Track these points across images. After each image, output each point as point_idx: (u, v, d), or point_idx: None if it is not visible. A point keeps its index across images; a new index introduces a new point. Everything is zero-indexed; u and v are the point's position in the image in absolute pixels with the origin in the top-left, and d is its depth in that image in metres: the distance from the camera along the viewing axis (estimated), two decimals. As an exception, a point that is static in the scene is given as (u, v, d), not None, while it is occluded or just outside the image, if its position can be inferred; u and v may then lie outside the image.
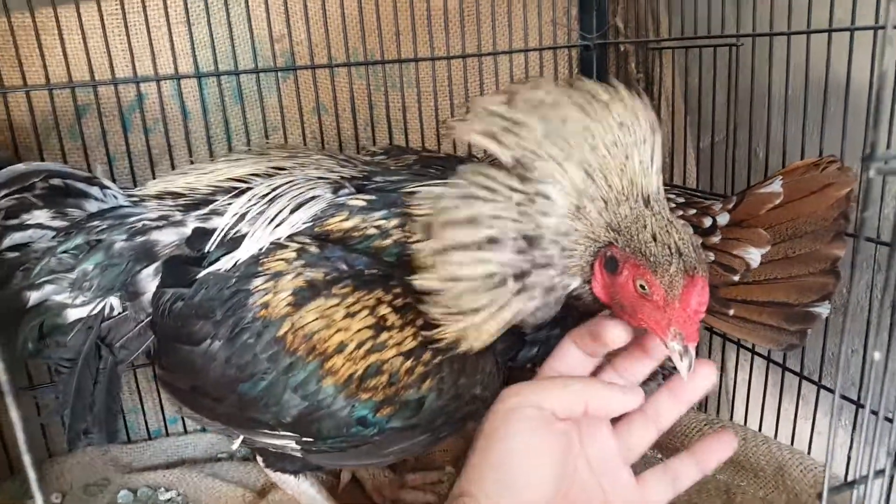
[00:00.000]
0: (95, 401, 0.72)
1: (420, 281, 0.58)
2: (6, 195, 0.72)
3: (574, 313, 0.63)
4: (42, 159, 0.92)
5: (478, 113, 0.60)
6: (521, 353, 0.67)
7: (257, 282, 0.63)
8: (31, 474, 0.28)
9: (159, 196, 0.74)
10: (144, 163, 0.97)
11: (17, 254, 0.72)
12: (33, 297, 0.71)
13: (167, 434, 1.06)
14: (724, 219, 0.83)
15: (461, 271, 0.57)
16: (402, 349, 0.60)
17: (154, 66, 0.93)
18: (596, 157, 0.55)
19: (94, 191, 0.75)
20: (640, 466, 0.90)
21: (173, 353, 0.69)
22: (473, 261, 0.56)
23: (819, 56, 0.82)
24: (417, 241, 0.60)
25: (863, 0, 0.76)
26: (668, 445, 0.94)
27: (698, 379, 0.55)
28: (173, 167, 0.97)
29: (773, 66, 0.88)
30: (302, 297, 0.61)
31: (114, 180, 0.94)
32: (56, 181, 0.74)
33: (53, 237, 0.72)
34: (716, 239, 0.80)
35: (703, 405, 1.10)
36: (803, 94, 0.85)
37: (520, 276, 0.56)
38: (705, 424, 0.94)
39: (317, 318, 0.60)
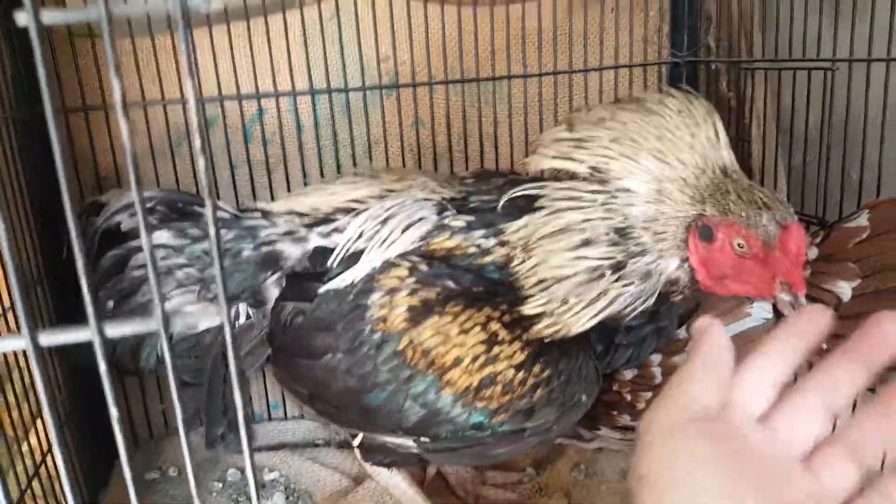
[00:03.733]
0: (227, 407, 0.79)
1: (528, 308, 0.65)
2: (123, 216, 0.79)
3: (665, 305, 0.67)
4: (174, 164, 1.03)
5: (546, 144, 0.68)
6: (616, 357, 0.71)
7: (374, 297, 0.69)
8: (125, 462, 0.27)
9: (285, 214, 0.81)
10: (262, 171, 1.06)
11: (142, 272, 0.78)
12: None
13: (269, 418, 1.15)
14: (812, 253, 0.84)
15: (562, 272, 0.63)
16: (514, 362, 0.65)
17: (274, 84, 1.02)
18: (663, 144, 0.61)
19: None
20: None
21: (293, 367, 0.75)
22: (572, 261, 0.63)
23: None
24: (519, 263, 0.66)
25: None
26: None
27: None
28: (287, 176, 1.07)
29: (871, 89, 0.88)
30: (418, 313, 0.67)
31: (235, 189, 1.05)
32: (165, 207, 0.81)
33: (178, 255, 0.78)
34: (806, 273, 0.82)
35: None
36: (902, 118, 0.85)
37: (616, 267, 0.62)
38: None
39: (434, 335, 0.66)
